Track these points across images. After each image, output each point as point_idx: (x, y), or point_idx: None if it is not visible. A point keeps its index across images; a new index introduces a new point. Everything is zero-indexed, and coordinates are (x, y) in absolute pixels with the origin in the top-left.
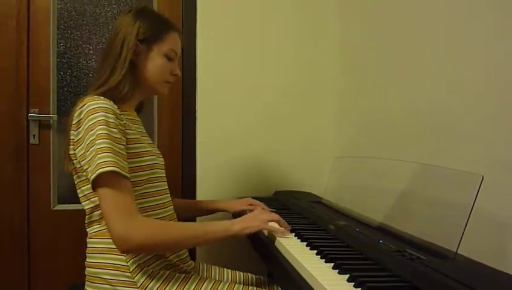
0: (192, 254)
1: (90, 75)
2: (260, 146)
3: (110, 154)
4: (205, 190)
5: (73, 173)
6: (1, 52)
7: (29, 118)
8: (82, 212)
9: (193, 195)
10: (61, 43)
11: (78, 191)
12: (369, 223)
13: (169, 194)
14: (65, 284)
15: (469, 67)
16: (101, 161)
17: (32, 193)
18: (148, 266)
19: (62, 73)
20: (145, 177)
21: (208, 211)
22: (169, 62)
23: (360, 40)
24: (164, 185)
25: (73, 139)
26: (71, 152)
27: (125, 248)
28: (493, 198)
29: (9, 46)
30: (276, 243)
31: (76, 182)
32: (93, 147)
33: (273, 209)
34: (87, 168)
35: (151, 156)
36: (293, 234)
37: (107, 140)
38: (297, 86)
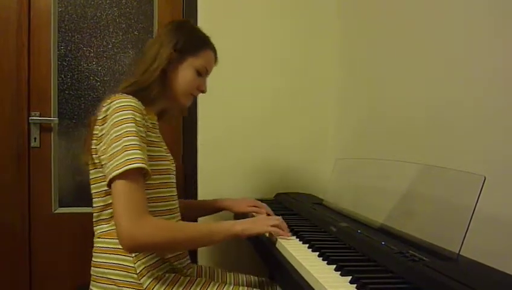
0: (194, 257)
1: (91, 77)
2: (261, 148)
3: (139, 151)
4: (206, 192)
5: (91, 167)
6: (2, 55)
7: (30, 121)
8: (83, 215)
9: (194, 197)
10: (61, 46)
11: (93, 186)
12: (371, 225)
13: (177, 201)
14: (67, 286)
15: (470, 67)
16: (131, 157)
17: (34, 196)
18: (154, 269)
19: (63, 76)
20: (158, 182)
21: (212, 209)
22: (198, 77)
23: (360, 40)
24: (174, 191)
25: (97, 134)
26: (93, 147)
27: (131, 246)
28: (495, 199)
29: (10, 49)
30: (277, 245)
31: (92, 177)
32: (119, 142)
33: (274, 211)
34: (105, 163)
35: (166, 161)
36: (295, 236)
37: (136, 137)
38: (297, 87)
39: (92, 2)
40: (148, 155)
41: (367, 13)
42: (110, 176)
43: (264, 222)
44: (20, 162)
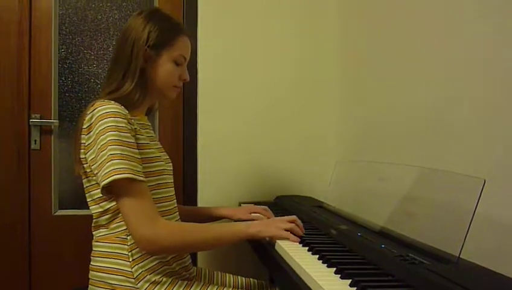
0: (193, 260)
1: (92, 80)
2: (261, 150)
3: (124, 160)
4: (206, 194)
5: (83, 176)
6: (3, 57)
7: (30, 124)
8: (83, 217)
9: (194, 200)
10: (62, 48)
11: (87, 195)
12: (371, 228)
13: (175, 201)
14: (66, 289)
15: (470, 69)
16: (115, 167)
17: (34, 198)
18: (151, 273)
19: (63, 78)
20: (154, 183)
21: (211, 217)
22: (177, 67)
23: (361, 42)
24: (172, 191)
25: (84, 143)
26: (82, 156)
27: (151, 250)
28: (495, 202)
29: (11, 51)
30: (277, 247)
31: (85, 186)
32: (104, 152)
33: (274, 214)
34: (97, 173)
35: (160, 162)
36: None
37: (119, 146)
38: (297, 89)
39: (93, 5)
40: (140, 158)
41: (367, 13)
42: (101, 185)
43: (279, 225)
44: (21, 164)
